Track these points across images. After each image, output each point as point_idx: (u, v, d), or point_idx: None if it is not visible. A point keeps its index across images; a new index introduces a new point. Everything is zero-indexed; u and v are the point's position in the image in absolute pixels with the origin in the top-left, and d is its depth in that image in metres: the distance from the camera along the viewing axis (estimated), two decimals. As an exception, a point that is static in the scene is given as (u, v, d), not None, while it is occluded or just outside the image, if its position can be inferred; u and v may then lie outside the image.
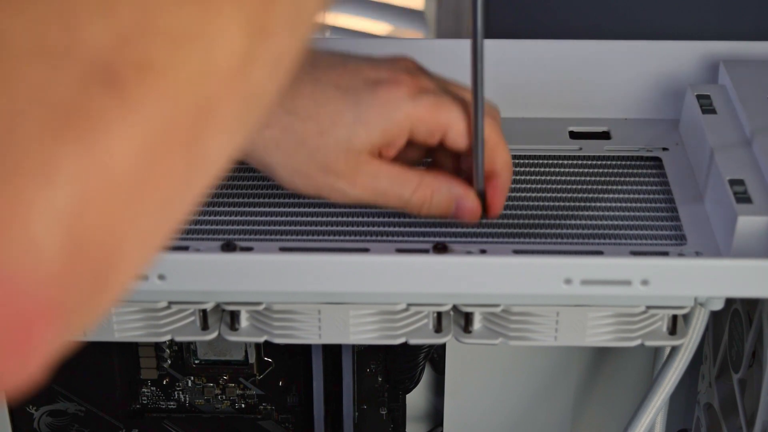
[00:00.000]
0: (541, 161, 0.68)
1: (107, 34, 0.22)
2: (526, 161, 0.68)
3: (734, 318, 0.69)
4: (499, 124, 0.60)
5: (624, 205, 0.64)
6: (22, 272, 0.21)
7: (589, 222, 0.63)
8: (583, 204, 0.64)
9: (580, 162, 0.68)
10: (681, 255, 0.59)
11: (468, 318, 0.61)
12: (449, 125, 0.57)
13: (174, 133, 0.24)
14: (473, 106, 0.56)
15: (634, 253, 0.60)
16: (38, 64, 0.21)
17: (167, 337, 0.63)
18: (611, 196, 0.65)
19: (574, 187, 0.66)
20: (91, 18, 0.22)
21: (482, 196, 0.59)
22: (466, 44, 0.72)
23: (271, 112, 0.54)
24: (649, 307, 0.60)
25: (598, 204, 0.64)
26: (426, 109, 0.56)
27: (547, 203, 0.64)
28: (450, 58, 0.72)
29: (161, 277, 0.56)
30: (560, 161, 0.68)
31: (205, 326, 0.62)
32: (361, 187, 0.57)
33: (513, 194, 0.65)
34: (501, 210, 0.60)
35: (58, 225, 0.21)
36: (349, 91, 0.56)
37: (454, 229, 0.62)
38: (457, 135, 0.57)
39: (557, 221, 0.63)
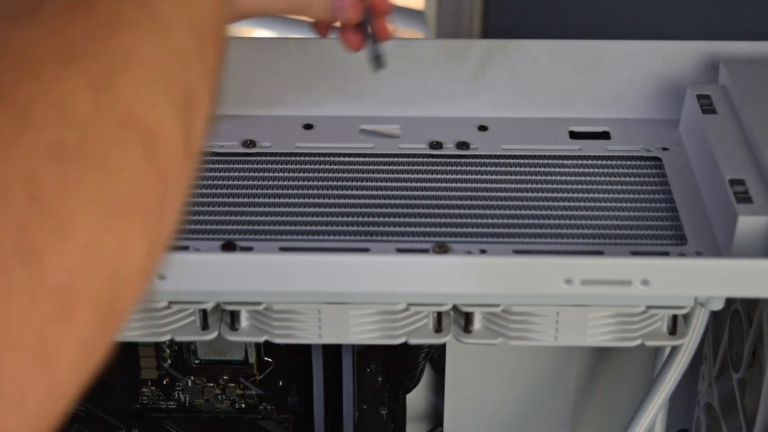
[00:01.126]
0: (541, 161, 0.68)
1: (58, 276, 0.26)
2: (526, 161, 0.68)
3: (734, 318, 0.69)
4: None
5: (624, 205, 0.64)
6: None
7: (589, 222, 0.63)
8: (583, 204, 0.64)
9: (580, 162, 0.68)
10: (681, 255, 0.59)
11: (468, 318, 0.61)
12: None
13: (99, 339, 0.29)
14: None
15: (634, 253, 0.60)
16: (7, 313, 0.26)
17: (167, 337, 0.63)
18: (611, 196, 0.65)
19: (574, 187, 0.66)
20: (50, 260, 0.27)
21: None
22: (466, 44, 0.72)
23: None
24: (649, 307, 0.60)
25: (598, 204, 0.64)
26: None
27: (547, 203, 0.64)
28: (450, 58, 0.72)
29: (161, 277, 0.56)
30: (560, 161, 0.68)
31: (205, 326, 0.62)
32: None
33: (513, 194, 0.65)
34: (389, 5, 0.62)
35: (27, 428, 0.26)
36: None
37: (454, 229, 0.62)
38: None
39: (557, 221, 0.63)
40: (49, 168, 0.27)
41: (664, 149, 0.69)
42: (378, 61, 0.63)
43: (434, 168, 0.68)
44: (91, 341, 0.29)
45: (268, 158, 0.68)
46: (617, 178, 0.66)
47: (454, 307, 0.61)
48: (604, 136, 0.71)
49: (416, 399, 0.86)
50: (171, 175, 0.31)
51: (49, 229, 0.26)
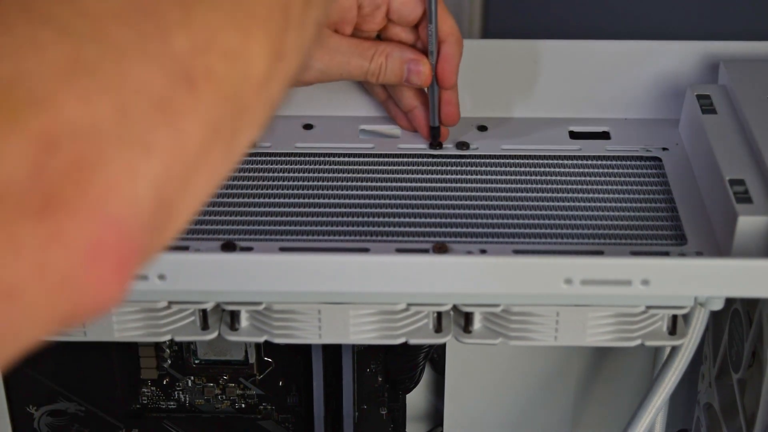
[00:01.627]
0: (541, 161, 0.68)
1: (187, 45, 0.29)
2: (526, 161, 0.68)
3: (734, 318, 0.69)
4: None
5: (624, 205, 0.64)
6: (128, 221, 0.27)
7: (589, 222, 0.63)
8: (583, 204, 0.64)
9: (580, 162, 0.68)
10: (681, 255, 0.59)
11: (468, 318, 0.61)
12: None
13: (223, 124, 0.31)
14: None
15: (634, 253, 0.60)
16: (142, 65, 0.28)
17: (167, 337, 0.63)
18: (611, 196, 0.65)
19: (574, 187, 0.66)
20: (177, 32, 0.29)
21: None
22: (466, 44, 0.72)
23: None
24: (649, 307, 0.60)
25: (598, 204, 0.64)
26: None
27: (547, 203, 0.64)
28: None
29: (161, 277, 0.56)
30: (560, 161, 0.68)
31: (205, 326, 0.62)
32: (327, 61, 0.65)
33: (513, 194, 0.65)
34: (454, 78, 0.67)
35: (152, 188, 0.28)
36: None
37: (454, 229, 0.62)
38: (400, 4, 0.65)
39: (557, 221, 0.63)
40: None
41: (664, 149, 0.69)
42: (434, 138, 0.69)
43: (434, 168, 0.68)
44: (215, 122, 0.30)
45: (268, 158, 0.68)
46: (617, 178, 0.66)
47: (454, 307, 0.61)
48: (604, 136, 0.71)
49: (416, 399, 0.86)
50: (292, 8, 0.34)
51: (175, 4, 0.29)
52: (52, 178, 0.26)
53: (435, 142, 0.69)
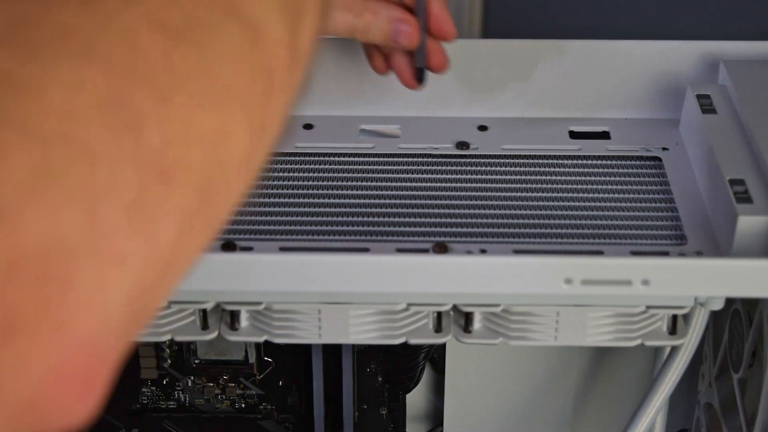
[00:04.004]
0: (541, 161, 0.68)
1: (158, 138, 0.27)
2: (526, 161, 0.68)
3: (734, 318, 0.69)
4: None
5: (624, 205, 0.64)
6: (98, 336, 0.26)
7: (589, 222, 0.63)
8: (583, 204, 0.64)
9: (580, 162, 0.68)
10: (681, 255, 0.59)
11: (468, 318, 0.61)
12: None
13: (199, 213, 0.29)
14: None
15: (634, 253, 0.60)
16: (112, 167, 0.26)
17: (167, 337, 0.63)
18: (611, 196, 0.65)
19: (574, 186, 0.66)
20: (151, 124, 0.27)
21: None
22: (466, 44, 0.72)
23: None
24: (649, 307, 0.60)
25: (598, 204, 0.64)
26: None
27: (547, 203, 0.64)
28: (450, 57, 0.72)
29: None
30: (560, 161, 0.68)
31: (205, 326, 0.62)
32: None
33: (513, 194, 0.65)
34: (452, 30, 0.65)
35: (125, 299, 0.26)
36: None
37: (454, 229, 0.62)
38: None
39: (557, 221, 0.63)
40: (152, 39, 0.27)
41: (664, 149, 0.69)
42: (420, 77, 0.66)
43: (434, 168, 0.68)
44: (191, 215, 0.28)
45: (269, 158, 0.68)
46: (617, 178, 0.66)
47: (454, 307, 0.61)
48: (604, 136, 0.71)
49: (416, 399, 0.86)
50: (276, 73, 0.31)
51: (148, 94, 0.27)
52: (13, 299, 0.24)
53: (420, 82, 0.67)
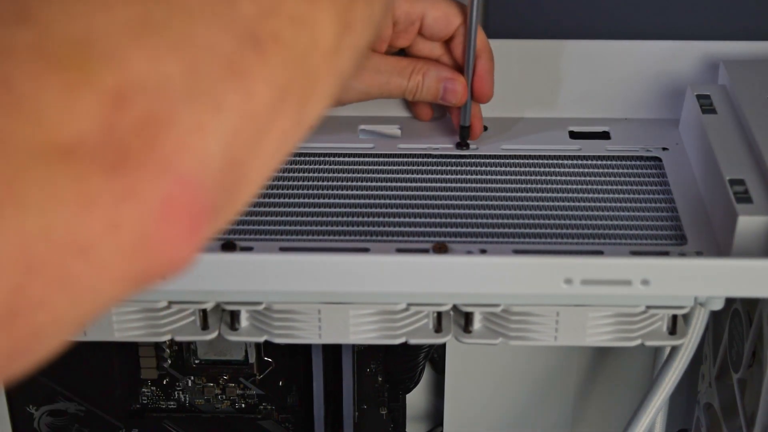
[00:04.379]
0: (541, 161, 0.68)
1: (254, 9, 0.29)
2: (526, 161, 0.68)
3: (734, 318, 0.69)
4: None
5: (624, 205, 0.64)
6: (198, 178, 0.27)
7: (589, 222, 0.63)
8: (583, 204, 0.64)
9: (580, 162, 0.68)
10: (681, 255, 0.59)
11: (468, 318, 0.61)
12: (426, 11, 0.65)
13: (291, 89, 0.31)
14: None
15: (634, 253, 0.60)
16: (210, 26, 0.28)
17: (167, 337, 0.63)
18: (611, 196, 0.65)
19: (574, 187, 0.66)
20: None
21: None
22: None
23: None
24: (649, 307, 0.60)
25: (598, 204, 0.64)
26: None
27: (547, 203, 0.64)
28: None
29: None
30: (560, 161, 0.68)
31: (205, 326, 0.62)
32: (369, 82, 0.66)
33: (513, 194, 0.65)
34: (490, 94, 0.68)
35: (222, 146, 0.28)
36: None
37: (454, 229, 0.62)
38: (433, 20, 0.65)
39: (557, 221, 0.63)
40: None
41: (664, 149, 0.69)
42: (464, 135, 0.69)
43: (434, 168, 0.68)
44: (284, 88, 0.30)
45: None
46: (617, 178, 0.66)
47: (454, 307, 0.61)
48: (604, 136, 0.71)
49: (416, 399, 0.86)
50: None
51: None
52: (123, 134, 0.26)
53: (463, 141, 0.69)
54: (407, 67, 0.67)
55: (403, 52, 0.68)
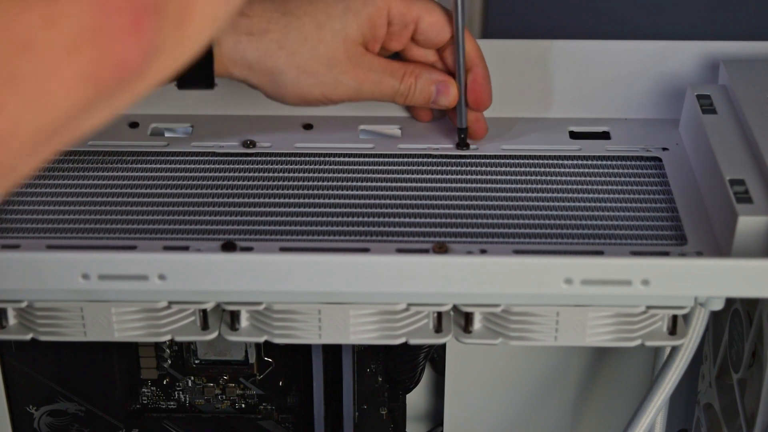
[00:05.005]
0: (541, 161, 0.68)
1: None
2: (526, 161, 0.68)
3: (734, 318, 0.69)
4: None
5: (624, 205, 0.64)
6: None
7: (589, 222, 0.63)
8: (583, 204, 0.64)
9: (580, 162, 0.68)
10: (681, 255, 0.59)
11: (468, 318, 0.61)
12: (421, 16, 0.66)
13: None
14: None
15: (634, 253, 0.60)
16: None
17: (167, 337, 0.63)
18: (611, 196, 0.65)
19: (574, 187, 0.66)
20: None
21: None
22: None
23: (268, 18, 0.64)
24: (649, 307, 0.60)
25: (598, 204, 0.64)
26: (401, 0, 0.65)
27: (547, 203, 0.64)
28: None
29: (161, 277, 0.56)
30: (560, 161, 0.68)
31: (205, 326, 0.62)
32: (361, 79, 0.65)
33: (513, 194, 0.65)
34: (488, 102, 0.68)
35: None
36: None
37: (454, 230, 0.62)
38: (428, 25, 0.66)
39: (557, 221, 0.63)
40: None
41: (664, 149, 0.69)
42: (462, 137, 0.69)
43: (434, 168, 0.68)
44: None
45: (268, 158, 0.68)
46: (617, 178, 0.66)
47: (454, 307, 0.61)
48: (604, 136, 0.71)
49: (416, 399, 0.86)
50: None
51: None
52: None
53: (462, 142, 0.69)
54: (400, 69, 0.67)
55: (397, 56, 0.69)
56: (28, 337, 0.62)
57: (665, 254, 0.60)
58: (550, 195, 0.65)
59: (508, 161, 0.68)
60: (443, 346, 0.78)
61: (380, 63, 0.66)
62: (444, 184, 0.66)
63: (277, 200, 0.64)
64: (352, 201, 0.64)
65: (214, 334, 0.63)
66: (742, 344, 0.67)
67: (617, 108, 0.72)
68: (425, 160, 0.68)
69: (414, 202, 0.64)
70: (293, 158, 0.68)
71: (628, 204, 0.64)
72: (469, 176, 0.67)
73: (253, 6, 0.64)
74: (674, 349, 0.63)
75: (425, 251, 0.60)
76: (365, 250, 0.60)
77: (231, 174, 0.67)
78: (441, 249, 0.60)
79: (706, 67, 0.71)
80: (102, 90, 0.28)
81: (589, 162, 0.68)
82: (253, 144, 0.69)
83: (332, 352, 0.74)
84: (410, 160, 0.68)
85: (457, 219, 0.63)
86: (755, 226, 0.57)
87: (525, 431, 0.82)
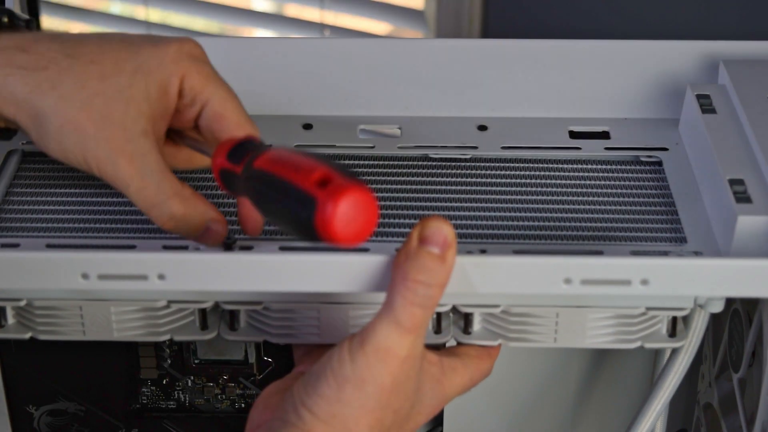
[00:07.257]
0: (541, 162, 0.68)
1: None
2: (526, 162, 0.68)
3: (734, 318, 0.69)
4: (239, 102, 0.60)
5: (624, 206, 0.64)
6: None
7: (588, 223, 0.63)
8: (583, 204, 0.64)
9: (579, 162, 0.68)
10: (681, 255, 0.59)
11: (468, 319, 0.61)
12: (210, 99, 0.58)
13: None
14: None
15: (634, 253, 0.60)
16: None
17: (167, 337, 0.63)
18: (611, 197, 0.65)
19: (574, 188, 0.66)
20: None
21: None
22: (466, 44, 0.72)
23: (50, 57, 0.56)
24: (649, 309, 0.60)
25: (599, 204, 0.64)
26: (199, 72, 0.58)
27: (547, 204, 0.64)
28: (450, 58, 0.72)
29: (161, 276, 0.56)
30: (560, 162, 0.68)
31: (204, 326, 0.62)
32: (126, 169, 0.56)
33: (513, 195, 0.65)
34: (259, 228, 0.61)
35: None
36: (134, 43, 0.58)
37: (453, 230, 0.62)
38: (213, 113, 0.58)
39: (557, 222, 0.63)
40: None
41: (664, 149, 0.69)
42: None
43: (434, 169, 0.68)
44: None
45: None
46: (616, 177, 0.66)
47: (454, 308, 0.61)
48: (604, 136, 0.71)
49: (416, 399, 0.85)
50: None
51: None
52: None
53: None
54: (176, 187, 0.58)
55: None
56: (27, 336, 0.62)
57: (665, 254, 0.60)
58: (550, 195, 0.65)
59: (507, 161, 0.68)
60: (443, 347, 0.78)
61: (158, 164, 0.57)
62: (444, 186, 0.66)
63: (276, 200, 0.64)
64: (352, 201, 0.64)
65: (213, 334, 0.63)
66: (742, 344, 0.67)
67: (617, 107, 0.72)
68: (425, 161, 0.68)
69: (414, 203, 0.64)
70: (293, 158, 0.68)
71: (627, 204, 0.64)
72: (469, 177, 0.67)
73: (38, 43, 0.57)
74: (674, 352, 0.63)
75: (425, 251, 0.60)
76: (365, 250, 0.60)
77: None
78: (441, 249, 0.60)
79: (706, 67, 0.71)
80: None
81: (589, 162, 0.68)
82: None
83: (332, 352, 0.74)
84: (410, 161, 0.68)
85: (457, 220, 0.63)
86: (755, 226, 0.57)
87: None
